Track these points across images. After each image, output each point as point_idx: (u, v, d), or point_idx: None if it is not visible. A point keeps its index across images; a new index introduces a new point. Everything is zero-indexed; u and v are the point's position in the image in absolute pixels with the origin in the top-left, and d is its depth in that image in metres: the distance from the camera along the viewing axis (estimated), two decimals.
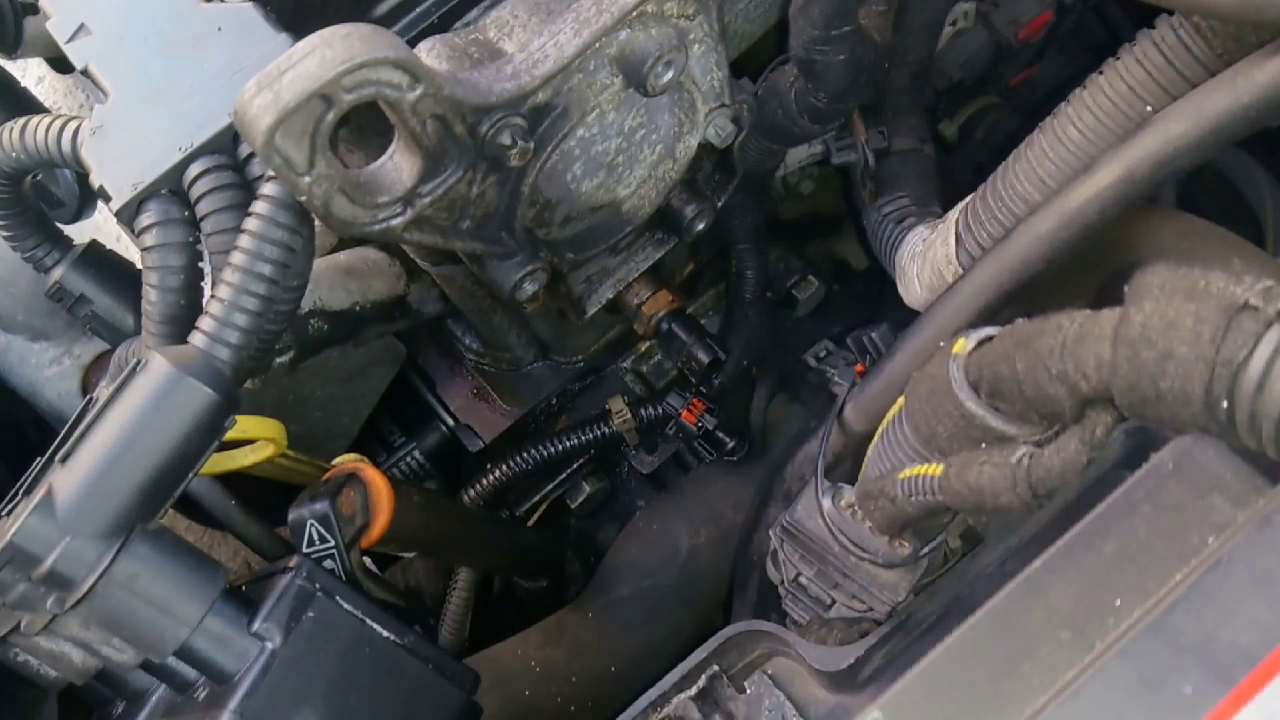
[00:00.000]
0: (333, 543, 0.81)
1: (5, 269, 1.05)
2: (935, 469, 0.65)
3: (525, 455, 1.13)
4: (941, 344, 0.69)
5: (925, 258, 0.92)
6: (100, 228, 1.08)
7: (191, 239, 0.71)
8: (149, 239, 0.71)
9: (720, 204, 0.98)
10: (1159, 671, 0.52)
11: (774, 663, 0.72)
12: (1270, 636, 0.52)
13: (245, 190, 0.71)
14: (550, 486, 1.21)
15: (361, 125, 0.72)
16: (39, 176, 0.99)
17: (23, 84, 1.09)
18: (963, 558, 0.81)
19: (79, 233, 0.98)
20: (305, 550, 0.81)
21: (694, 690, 0.70)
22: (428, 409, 1.20)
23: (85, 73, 0.75)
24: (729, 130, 0.88)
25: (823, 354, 1.24)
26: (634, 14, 0.71)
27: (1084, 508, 0.61)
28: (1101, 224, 0.74)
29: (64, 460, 0.64)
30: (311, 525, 0.81)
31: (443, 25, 0.78)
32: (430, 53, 0.75)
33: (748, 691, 0.71)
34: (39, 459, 0.69)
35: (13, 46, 0.94)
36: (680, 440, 1.21)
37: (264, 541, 1.02)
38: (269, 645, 0.67)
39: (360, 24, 0.61)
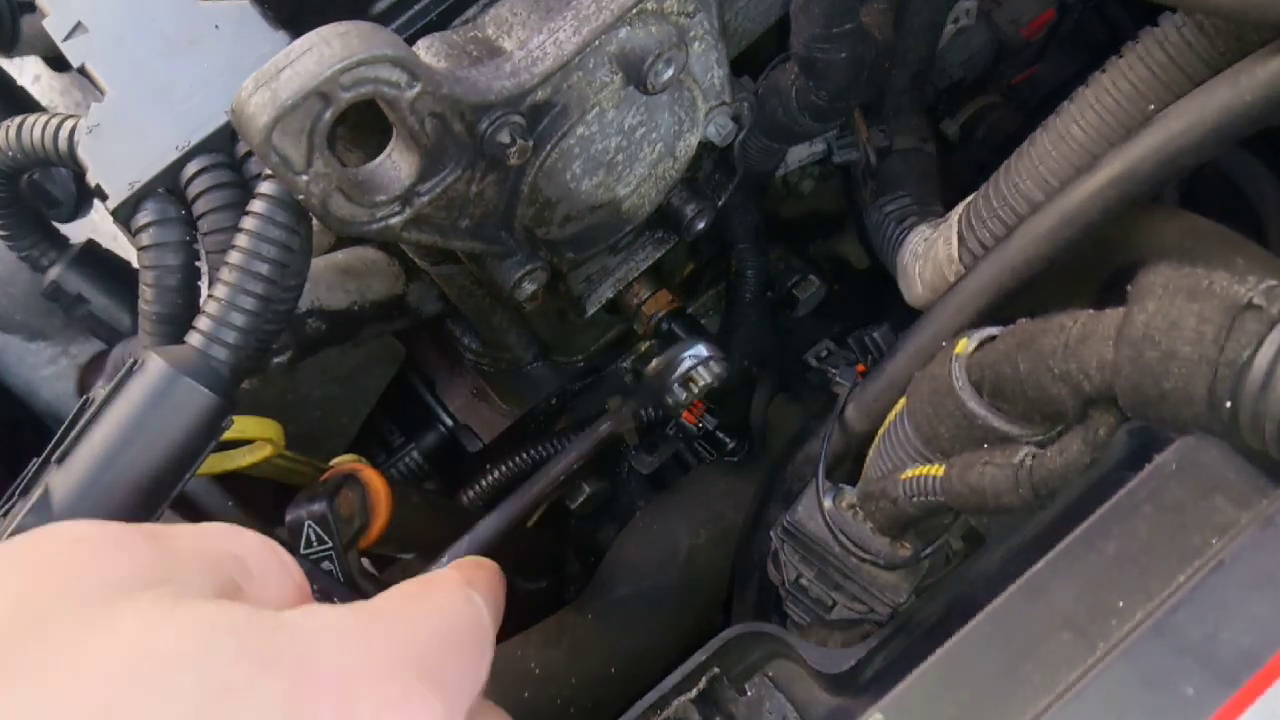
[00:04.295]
0: (330, 544, 0.80)
1: (1, 268, 1.04)
2: (937, 469, 0.65)
3: (525, 455, 1.13)
4: (943, 344, 0.69)
5: (927, 257, 0.91)
6: (97, 227, 1.08)
7: (188, 238, 0.71)
8: (146, 238, 0.70)
9: (720, 203, 0.97)
10: (1161, 673, 0.52)
11: (775, 665, 0.72)
12: (1273, 638, 0.52)
13: (242, 189, 0.70)
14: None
15: (359, 123, 0.72)
16: (35, 175, 0.98)
17: (19, 82, 1.09)
18: (965, 559, 0.80)
19: (76, 232, 0.98)
20: (303, 551, 0.80)
21: (694, 692, 0.70)
22: (427, 409, 1.19)
23: (82, 71, 0.75)
24: (729, 129, 0.87)
25: (824, 354, 1.24)
26: (634, 11, 0.71)
27: (1086, 508, 0.61)
28: (1104, 223, 0.74)
29: (60, 461, 0.64)
30: (309, 526, 0.81)
31: (441, 23, 0.78)
32: (428, 50, 0.74)
33: (748, 694, 0.71)
34: (35, 459, 0.69)
35: (9, 45, 0.94)
36: (680, 440, 1.21)
37: None
38: None
39: (358, 22, 0.60)
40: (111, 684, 0.30)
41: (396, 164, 0.68)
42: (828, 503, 0.76)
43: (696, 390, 1.00)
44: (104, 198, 0.70)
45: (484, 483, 1.13)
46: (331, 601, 0.64)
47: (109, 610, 0.33)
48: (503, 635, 1.12)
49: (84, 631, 0.32)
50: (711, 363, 0.99)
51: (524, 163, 0.73)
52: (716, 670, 0.71)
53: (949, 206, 0.93)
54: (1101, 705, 0.53)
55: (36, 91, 1.14)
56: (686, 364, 0.99)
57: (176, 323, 0.71)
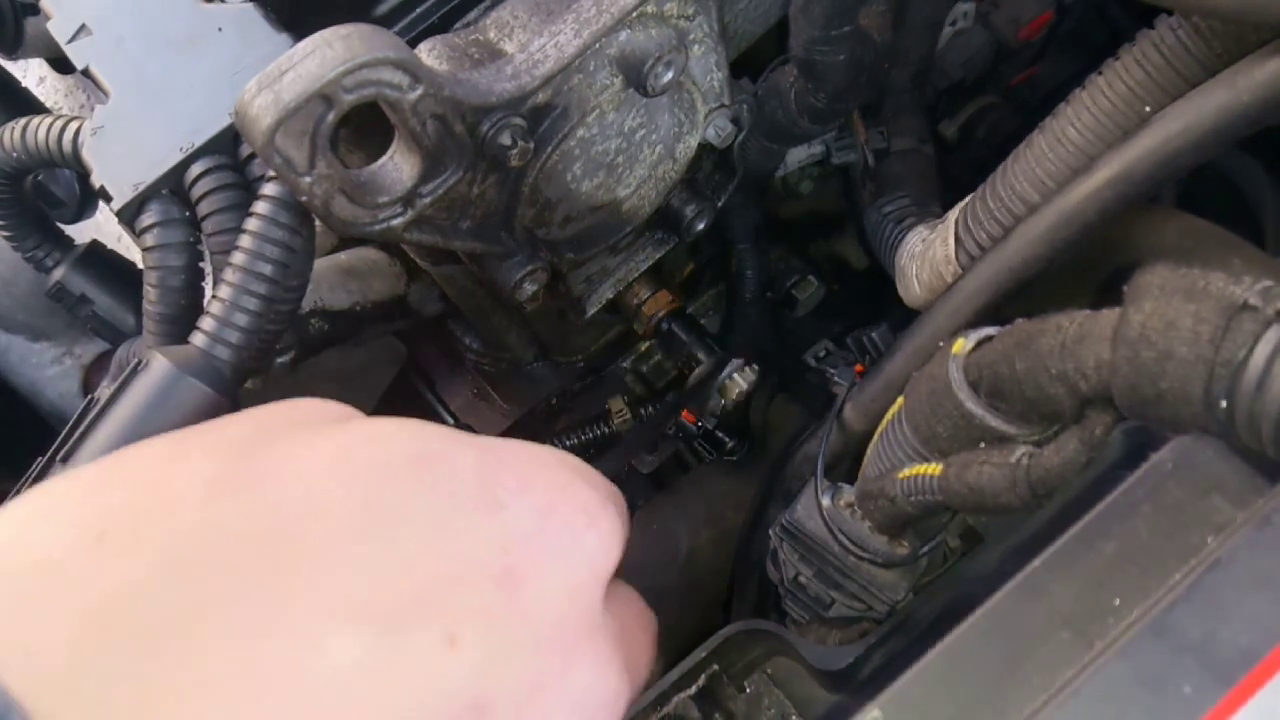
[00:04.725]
0: None
1: (6, 269, 1.05)
2: (934, 468, 0.65)
3: None
4: (941, 344, 0.69)
5: (924, 258, 0.92)
6: (101, 228, 1.09)
7: (192, 239, 0.72)
8: (150, 239, 0.71)
9: (720, 204, 0.98)
10: (1158, 671, 0.52)
11: (774, 662, 0.72)
12: (1269, 635, 0.52)
13: (246, 191, 0.71)
14: None
15: (362, 125, 0.72)
16: (40, 177, 0.99)
17: (23, 84, 1.09)
18: (962, 557, 0.81)
19: (80, 233, 0.99)
20: None
21: (694, 689, 0.70)
22: (428, 409, 1.20)
23: (86, 73, 0.75)
24: (729, 130, 0.88)
25: (822, 354, 1.24)
26: (634, 15, 0.71)
27: (1083, 507, 0.61)
28: (1101, 223, 0.74)
29: (65, 460, 0.64)
30: None
31: (443, 25, 0.78)
32: (430, 53, 0.75)
33: (748, 691, 0.71)
34: (40, 459, 0.69)
35: (13, 47, 0.94)
36: (680, 440, 1.21)
37: None
38: None
39: (361, 24, 0.61)
40: (342, 447, 0.38)
41: (398, 165, 0.68)
42: (826, 501, 0.77)
43: (734, 397, 1.10)
44: (108, 199, 0.71)
45: None
46: None
47: (330, 425, 0.40)
48: None
49: (314, 432, 0.39)
50: (746, 370, 1.09)
51: (525, 164, 0.73)
52: (716, 667, 0.71)
53: (947, 207, 0.93)
54: (1099, 703, 0.53)
55: (41, 93, 1.14)
56: (725, 372, 1.09)
57: (180, 323, 0.72)
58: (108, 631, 0.30)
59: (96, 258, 0.93)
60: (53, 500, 0.35)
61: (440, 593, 0.35)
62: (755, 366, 1.09)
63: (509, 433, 1.16)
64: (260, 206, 0.67)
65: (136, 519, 0.33)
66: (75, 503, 0.34)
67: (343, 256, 0.98)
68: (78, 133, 0.73)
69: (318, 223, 0.69)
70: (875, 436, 0.75)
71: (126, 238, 1.00)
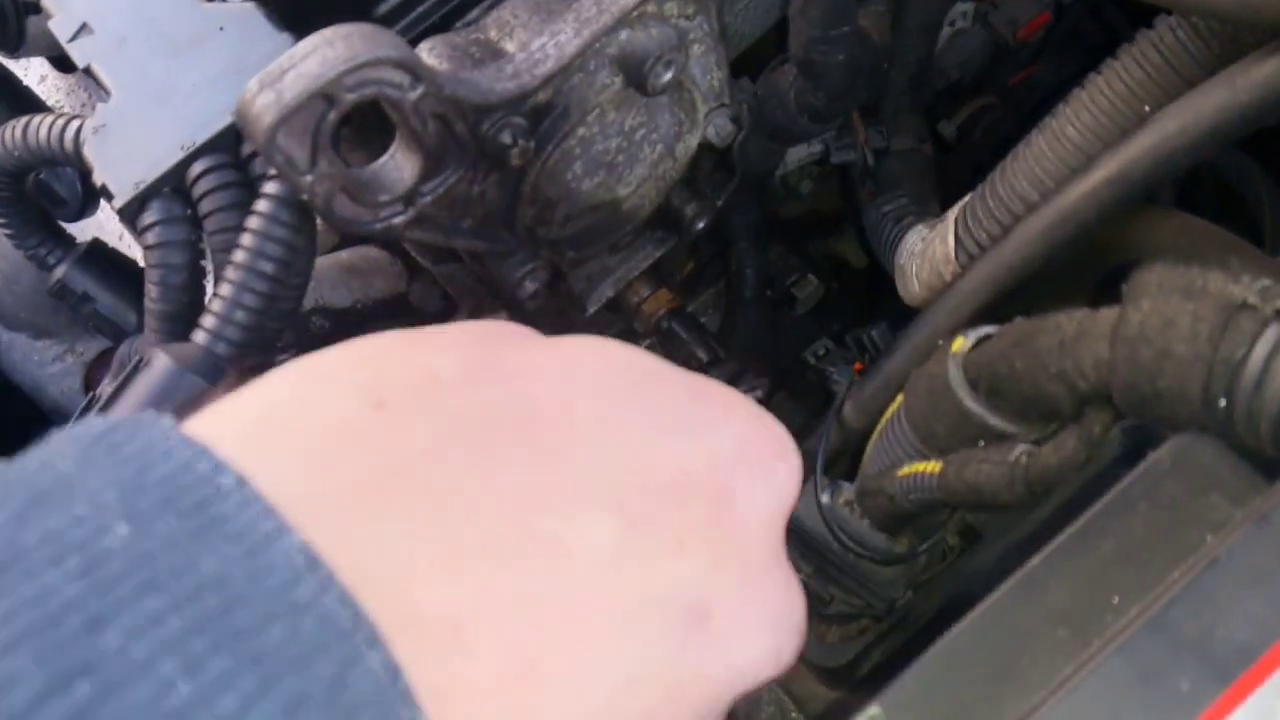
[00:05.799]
0: None
1: (8, 267, 1.05)
2: (933, 466, 0.65)
3: None
4: (940, 342, 0.69)
5: (924, 257, 0.92)
6: (103, 226, 1.09)
7: (194, 237, 0.72)
8: (151, 237, 0.71)
9: (720, 203, 0.98)
10: (1156, 668, 0.53)
11: None
12: (1267, 633, 0.52)
13: (247, 189, 0.71)
14: None
15: (363, 124, 0.72)
16: (41, 175, 0.99)
17: (25, 82, 1.09)
18: (961, 555, 0.81)
19: (81, 231, 0.99)
20: None
21: None
22: None
23: (88, 72, 0.75)
24: (729, 130, 0.88)
25: (822, 352, 1.25)
26: (634, 14, 0.72)
27: (1082, 505, 0.61)
28: (1099, 222, 0.75)
29: None
30: None
31: (444, 25, 0.78)
32: (431, 52, 0.75)
33: None
34: None
35: (15, 45, 0.94)
36: None
37: None
38: None
39: (362, 23, 0.61)
40: (571, 357, 0.41)
41: (400, 164, 0.68)
42: (825, 499, 0.77)
43: None
44: (110, 197, 0.71)
45: None
46: None
47: (543, 339, 0.44)
48: None
49: (535, 343, 0.43)
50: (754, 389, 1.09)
51: (525, 163, 0.74)
52: None
53: (946, 207, 0.94)
54: (1097, 700, 0.53)
55: (42, 92, 1.14)
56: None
57: (181, 320, 0.72)
58: (394, 491, 0.32)
59: (98, 256, 0.93)
60: (324, 367, 0.37)
61: (669, 500, 0.38)
62: (764, 381, 1.10)
63: None
64: (262, 205, 0.67)
65: (411, 393, 0.36)
66: (348, 371, 0.37)
67: (344, 255, 0.99)
68: (79, 131, 0.74)
69: (319, 221, 0.69)
70: (875, 434, 0.75)
71: (128, 236, 1.01)
